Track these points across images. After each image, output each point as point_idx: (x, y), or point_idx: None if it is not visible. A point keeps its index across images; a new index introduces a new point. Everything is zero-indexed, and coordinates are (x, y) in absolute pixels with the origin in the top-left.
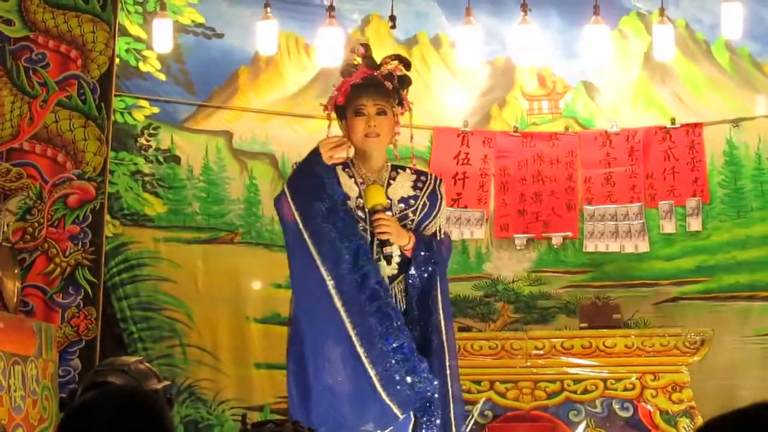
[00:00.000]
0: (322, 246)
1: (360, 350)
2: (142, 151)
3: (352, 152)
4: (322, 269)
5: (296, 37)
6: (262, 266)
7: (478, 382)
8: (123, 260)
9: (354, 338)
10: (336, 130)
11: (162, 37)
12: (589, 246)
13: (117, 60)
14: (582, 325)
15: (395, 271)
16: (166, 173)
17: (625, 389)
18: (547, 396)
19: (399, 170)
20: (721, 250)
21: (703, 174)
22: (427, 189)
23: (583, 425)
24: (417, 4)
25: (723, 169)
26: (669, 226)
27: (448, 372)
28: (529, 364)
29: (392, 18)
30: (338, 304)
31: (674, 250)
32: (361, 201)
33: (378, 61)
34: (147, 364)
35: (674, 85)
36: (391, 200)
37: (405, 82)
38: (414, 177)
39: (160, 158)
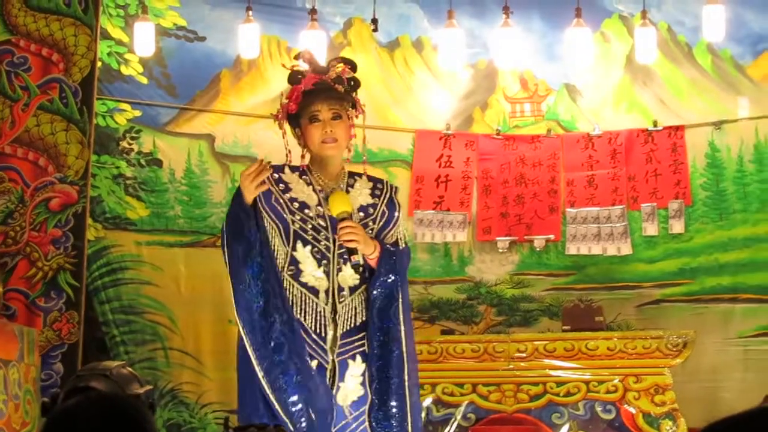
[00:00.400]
0: (236, 291)
1: (269, 395)
2: (124, 155)
3: (307, 159)
4: (237, 313)
5: (278, 41)
6: None
7: (461, 385)
8: (105, 264)
9: (263, 382)
10: (292, 139)
11: (144, 40)
12: (572, 249)
13: (99, 63)
14: (565, 327)
15: (357, 282)
16: (148, 177)
17: (608, 391)
18: (530, 398)
19: (356, 177)
20: (703, 252)
21: (686, 176)
22: (384, 197)
23: (566, 428)
24: (399, 7)
25: (705, 171)
26: (651, 229)
27: (407, 382)
28: (511, 366)
29: (374, 21)
30: (249, 350)
31: (657, 252)
32: (321, 209)
33: (324, 65)
34: (129, 369)
35: (656, 88)
36: None
37: (355, 84)
38: (371, 184)
39: (143, 161)
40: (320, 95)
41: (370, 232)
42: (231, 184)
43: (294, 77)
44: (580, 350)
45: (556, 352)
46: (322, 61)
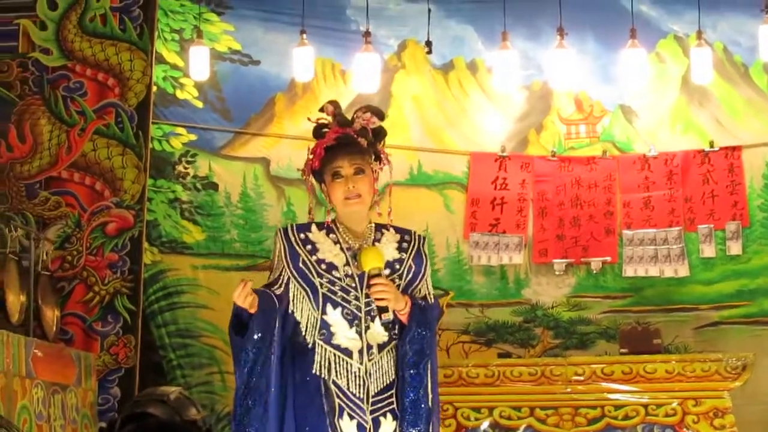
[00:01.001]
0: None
1: None
2: (180, 179)
3: (332, 216)
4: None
5: (333, 63)
6: None
7: (518, 409)
8: (161, 287)
9: None
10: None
11: (199, 64)
12: (629, 271)
13: (154, 88)
14: (622, 350)
15: (385, 338)
16: (204, 200)
17: (667, 415)
18: (588, 422)
19: (383, 230)
20: (761, 273)
21: (743, 197)
22: (412, 250)
23: None
24: (453, 29)
25: (762, 192)
26: (709, 250)
27: None
28: (569, 390)
29: (428, 43)
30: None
31: (714, 274)
32: (349, 269)
33: (349, 117)
34: (185, 394)
35: (712, 108)
36: None
37: (380, 134)
38: (398, 237)
39: (198, 185)
40: (342, 150)
41: (398, 287)
42: (286, 208)
43: (317, 131)
44: (638, 373)
45: (613, 375)
46: (375, 84)
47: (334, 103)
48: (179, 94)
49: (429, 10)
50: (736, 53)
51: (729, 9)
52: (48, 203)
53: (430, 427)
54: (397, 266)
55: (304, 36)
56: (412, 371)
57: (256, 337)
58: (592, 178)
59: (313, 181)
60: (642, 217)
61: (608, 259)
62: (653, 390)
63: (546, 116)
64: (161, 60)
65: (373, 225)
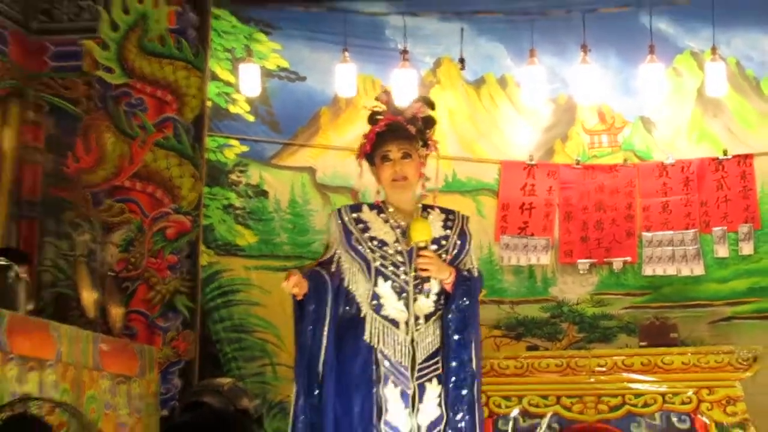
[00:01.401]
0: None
1: None
2: (233, 187)
3: (382, 196)
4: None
5: (373, 79)
6: None
7: (546, 397)
8: (217, 287)
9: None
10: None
11: (249, 81)
12: (648, 270)
13: (209, 103)
14: (642, 343)
15: (431, 309)
16: (255, 206)
17: (683, 403)
18: (610, 409)
19: (429, 210)
20: None
21: (754, 201)
22: (456, 228)
23: None
24: (484, 47)
25: None
26: (722, 251)
27: (475, 397)
28: (592, 380)
29: (461, 60)
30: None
31: (728, 272)
32: (399, 245)
33: (401, 106)
34: (239, 384)
35: (726, 119)
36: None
37: (429, 122)
38: (443, 216)
39: (250, 193)
40: (391, 135)
41: (444, 262)
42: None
43: (371, 118)
44: (656, 364)
45: (633, 366)
46: (412, 96)
47: (388, 93)
48: (232, 109)
49: (462, 30)
50: (749, 67)
51: (742, 26)
52: (112, 210)
53: (474, 390)
54: (443, 242)
55: (347, 54)
56: (456, 337)
57: (310, 308)
58: (614, 184)
59: (365, 163)
60: (660, 221)
61: (629, 259)
62: (670, 380)
63: (571, 127)
64: (215, 77)
65: (420, 205)
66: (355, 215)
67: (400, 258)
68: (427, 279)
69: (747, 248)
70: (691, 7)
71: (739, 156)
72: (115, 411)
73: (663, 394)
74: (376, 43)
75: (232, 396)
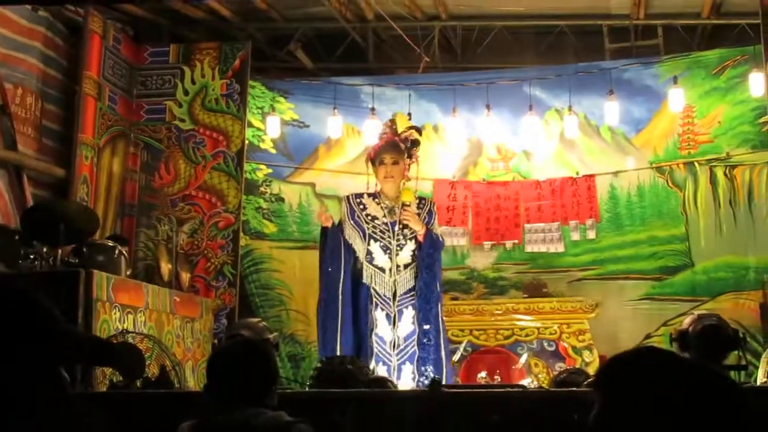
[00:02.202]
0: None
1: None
2: (262, 195)
3: (378, 188)
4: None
5: (352, 127)
6: None
7: (462, 330)
8: (251, 260)
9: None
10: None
11: (273, 127)
12: (528, 248)
13: (246, 141)
14: (525, 295)
15: (409, 260)
16: (276, 208)
17: (551, 333)
18: (504, 338)
19: (407, 205)
20: (607, 250)
21: (596, 205)
22: (426, 207)
23: (525, 355)
24: (424, 106)
25: (608, 201)
26: (576, 236)
27: (441, 327)
28: (492, 319)
29: (409, 114)
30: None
31: (579, 250)
32: (386, 219)
33: (400, 130)
34: (264, 323)
35: (578, 152)
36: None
37: (415, 143)
38: (418, 201)
39: (272, 199)
40: (387, 148)
41: (419, 220)
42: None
43: (380, 135)
44: (534, 309)
45: (519, 310)
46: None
47: (392, 121)
48: (261, 145)
49: (410, 95)
50: (592, 119)
51: (588, 92)
52: (183, 210)
53: (438, 307)
54: (418, 212)
55: (336, 110)
56: (425, 272)
57: (327, 255)
58: (506, 194)
59: (370, 165)
60: (536, 217)
61: (516, 241)
62: (542, 319)
63: (479, 157)
64: (250, 125)
65: (402, 203)
66: (358, 200)
67: (385, 227)
68: (408, 228)
69: (591, 234)
70: (556, 81)
71: (586, 176)
72: (183, 341)
73: (538, 328)
74: (354, 104)
75: (259, 330)
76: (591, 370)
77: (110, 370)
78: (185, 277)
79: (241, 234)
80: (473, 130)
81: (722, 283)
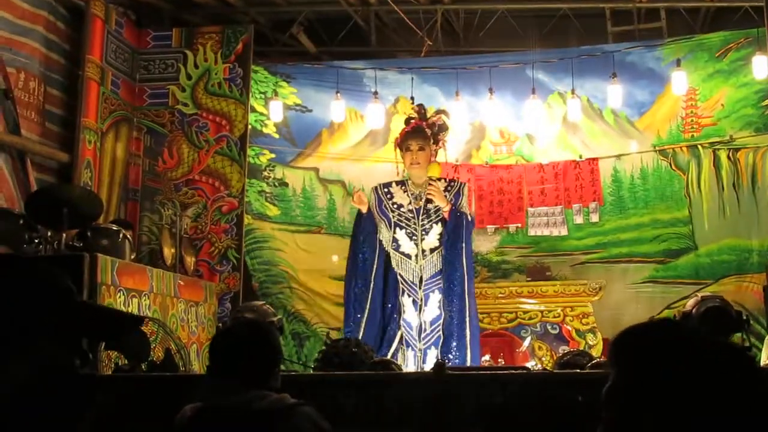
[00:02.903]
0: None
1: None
2: (265, 179)
3: (406, 174)
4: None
5: (355, 111)
6: (337, 247)
7: None
8: (253, 237)
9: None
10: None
11: (276, 112)
12: (532, 231)
13: (249, 126)
14: (528, 279)
15: (436, 244)
16: (279, 192)
17: (554, 316)
18: (507, 321)
19: (438, 180)
20: (610, 233)
21: (599, 188)
22: (454, 189)
23: (529, 338)
24: (427, 90)
25: (611, 184)
26: (579, 219)
27: (467, 309)
28: (496, 302)
29: (412, 98)
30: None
31: (582, 233)
32: (411, 206)
33: (428, 114)
34: (267, 306)
35: (581, 135)
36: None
37: (442, 128)
38: (446, 184)
39: (275, 183)
40: (414, 134)
41: (444, 197)
42: (329, 197)
43: (406, 121)
44: (537, 292)
45: (523, 293)
46: (380, 123)
47: (421, 105)
48: (264, 130)
49: (412, 79)
50: (595, 102)
51: (590, 75)
52: (187, 194)
53: (465, 285)
54: (446, 192)
55: (339, 94)
56: (448, 251)
57: (361, 238)
58: (510, 177)
59: (398, 151)
60: (539, 200)
61: (519, 225)
62: (546, 302)
63: (482, 141)
64: (253, 109)
65: (428, 180)
66: (385, 189)
67: (411, 214)
68: (431, 224)
69: (594, 217)
70: (558, 64)
71: (589, 159)
72: (188, 324)
73: (542, 311)
74: (357, 88)
75: (263, 313)
76: (595, 353)
77: (115, 353)
78: (189, 261)
79: (244, 214)
80: (476, 113)
81: (725, 266)
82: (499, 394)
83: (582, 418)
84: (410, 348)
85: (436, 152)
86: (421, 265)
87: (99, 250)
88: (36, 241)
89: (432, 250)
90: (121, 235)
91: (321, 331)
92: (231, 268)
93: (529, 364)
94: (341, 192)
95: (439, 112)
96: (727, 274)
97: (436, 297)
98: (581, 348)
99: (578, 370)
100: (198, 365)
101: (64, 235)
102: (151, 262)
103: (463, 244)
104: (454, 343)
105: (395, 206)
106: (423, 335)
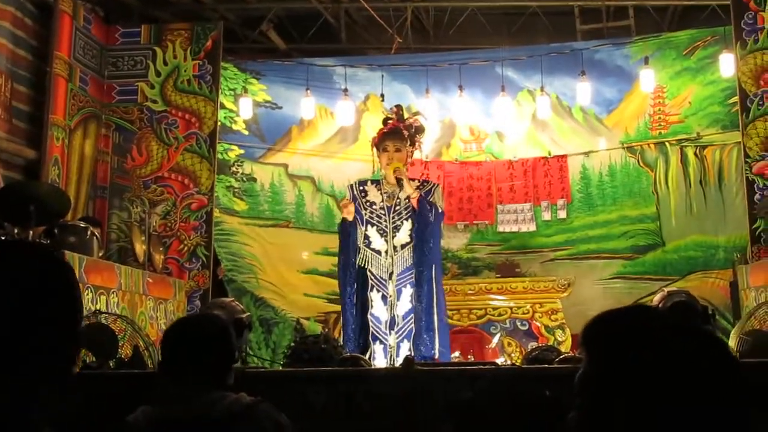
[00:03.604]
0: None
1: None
2: (234, 175)
3: (383, 173)
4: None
5: (325, 108)
6: (305, 241)
7: None
8: (221, 230)
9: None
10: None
11: (245, 109)
12: (501, 228)
13: (219, 123)
14: (497, 275)
15: (407, 240)
16: (247, 187)
17: (523, 313)
18: (477, 318)
19: (411, 180)
20: (578, 230)
21: (568, 185)
22: (425, 189)
23: (498, 335)
24: (396, 87)
25: (579, 182)
26: (547, 216)
27: (435, 299)
28: (466, 299)
29: (382, 95)
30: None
31: (551, 230)
32: (383, 204)
33: (405, 115)
34: (235, 302)
35: (550, 133)
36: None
37: (419, 130)
38: (417, 183)
39: (244, 179)
40: (391, 135)
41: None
42: (297, 192)
43: (384, 122)
44: (506, 288)
45: (492, 290)
46: (350, 120)
47: (399, 107)
48: (234, 126)
49: (382, 76)
50: (564, 99)
51: (559, 73)
52: (156, 192)
53: (434, 270)
54: (419, 187)
55: (308, 91)
56: (420, 235)
57: (351, 242)
58: (479, 174)
59: (374, 151)
60: (508, 197)
61: (489, 222)
62: (515, 298)
63: (452, 138)
64: (223, 106)
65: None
66: (361, 187)
67: (383, 212)
68: (401, 223)
69: (563, 214)
70: (528, 61)
71: (558, 156)
72: (157, 321)
73: (511, 308)
74: (327, 85)
75: (231, 309)
76: (564, 349)
77: (83, 350)
78: (158, 258)
79: (214, 209)
80: (446, 111)
81: (692, 262)
82: (468, 389)
83: (549, 412)
84: (379, 342)
85: (412, 153)
86: (391, 262)
87: (66, 247)
88: (3, 238)
89: (403, 246)
90: (89, 233)
91: (290, 317)
92: (200, 266)
93: (499, 361)
94: (311, 188)
95: (416, 114)
96: (693, 270)
97: (408, 291)
98: (550, 344)
99: (546, 365)
100: None
101: (32, 232)
102: (120, 260)
103: (430, 235)
104: (425, 336)
105: (368, 204)
106: (396, 329)
